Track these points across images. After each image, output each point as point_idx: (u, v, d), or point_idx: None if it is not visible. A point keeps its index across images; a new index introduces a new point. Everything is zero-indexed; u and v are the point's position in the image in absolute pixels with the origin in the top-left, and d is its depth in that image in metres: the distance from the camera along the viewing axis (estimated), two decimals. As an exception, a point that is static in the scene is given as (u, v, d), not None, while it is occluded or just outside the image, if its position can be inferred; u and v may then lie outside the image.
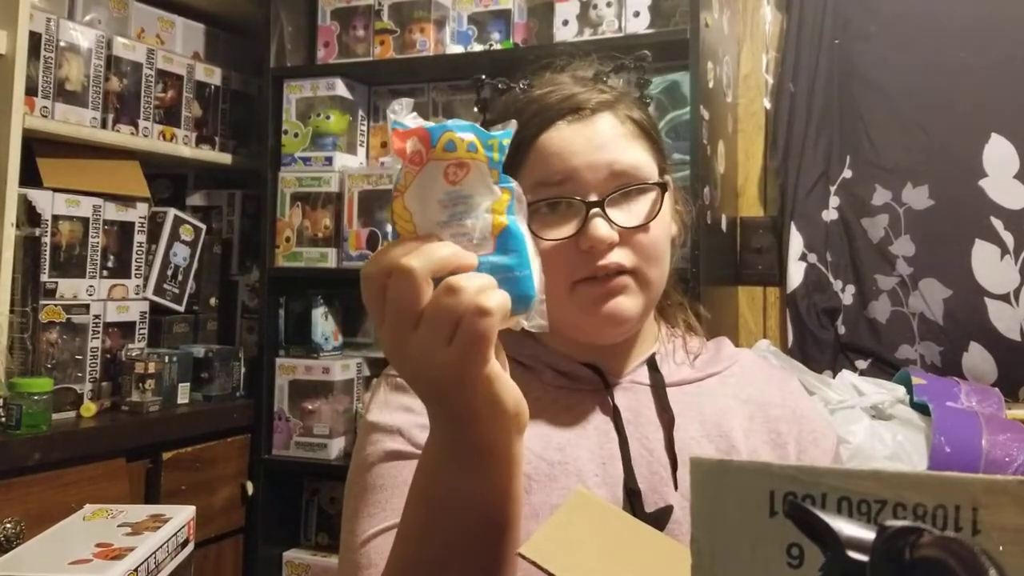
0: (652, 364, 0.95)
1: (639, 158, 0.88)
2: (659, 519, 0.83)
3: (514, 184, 0.60)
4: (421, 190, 0.58)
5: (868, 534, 0.34)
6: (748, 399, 0.95)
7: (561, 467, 0.86)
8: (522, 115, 0.87)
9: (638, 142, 0.89)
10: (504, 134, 0.59)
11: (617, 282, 0.85)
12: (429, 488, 0.66)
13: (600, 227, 0.83)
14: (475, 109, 0.95)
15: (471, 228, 0.59)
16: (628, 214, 0.86)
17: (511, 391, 0.61)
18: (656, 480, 0.87)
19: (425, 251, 0.57)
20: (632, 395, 0.93)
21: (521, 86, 0.93)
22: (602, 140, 0.86)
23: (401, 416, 0.87)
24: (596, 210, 0.84)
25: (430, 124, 0.58)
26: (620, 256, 0.85)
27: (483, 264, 0.59)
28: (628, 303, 0.86)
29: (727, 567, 0.44)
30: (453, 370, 0.57)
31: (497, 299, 0.57)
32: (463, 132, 0.58)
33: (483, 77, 0.93)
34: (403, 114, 0.59)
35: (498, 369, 0.60)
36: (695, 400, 0.94)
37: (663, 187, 0.88)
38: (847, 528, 0.34)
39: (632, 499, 0.85)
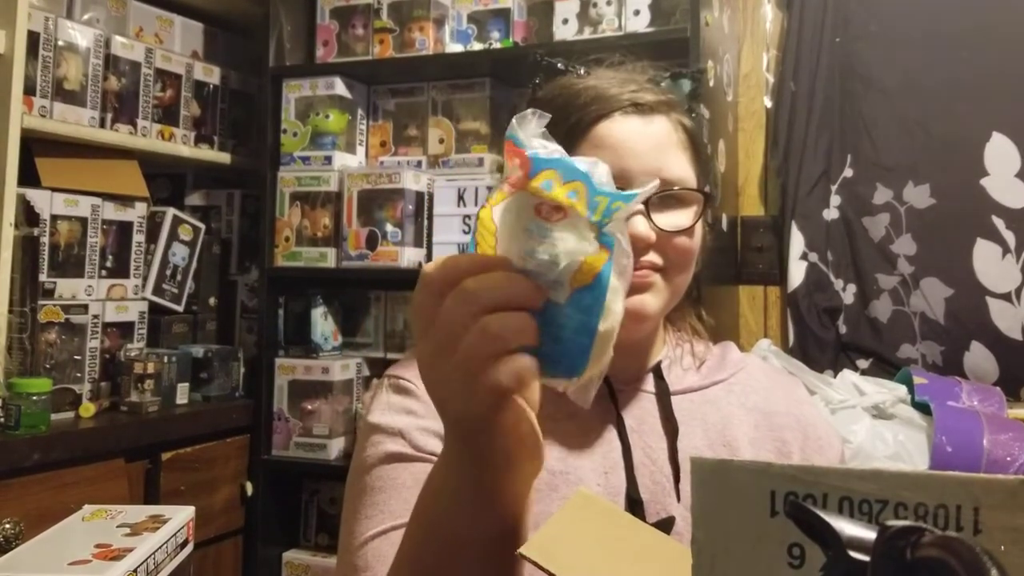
0: (657, 371, 0.94)
1: (686, 170, 0.88)
2: (661, 530, 0.83)
3: (620, 244, 0.53)
4: (512, 213, 0.54)
5: (869, 534, 0.34)
6: (753, 407, 0.95)
7: (563, 476, 0.85)
8: (578, 99, 0.87)
9: (687, 153, 0.89)
10: (620, 196, 0.53)
11: (646, 278, 0.85)
12: (426, 509, 0.65)
13: (639, 224, 0.83)
14: (529, 86, 0.94)
15: (550, 268, 0.53)
16: (667, 219, 0.86)
17: (531, 440, 0.58)
18: (658, 490, 0.87)
19: (495, 279, 0.52)
20: (637, 403, 0.92)
21: (580, 71, 0.91)
22: (657, 143, 0.86)
23: (403, 419, 0.87)
24: (639, 207, 0.83)
25: (538, 154, 0.52)
26: (653, 257, 0.85)
27: (546, 310, 0.53)
28: (652, 301, 0.86)
29: (728, 567, 0.44)
30: (474, 413, 0.54)
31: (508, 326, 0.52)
32: (571, 177, 0.52)
33: (541, 53, 0.92)
34: (527, 128, 0.54)
35: (518, 417, 0.56)
36: (700, 408, 0.93)
37: (706, 197, 0.88)
38: (848, 528, 0.34)
39: (634, 509, 0.85)
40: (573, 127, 0.86)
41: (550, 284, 0.53)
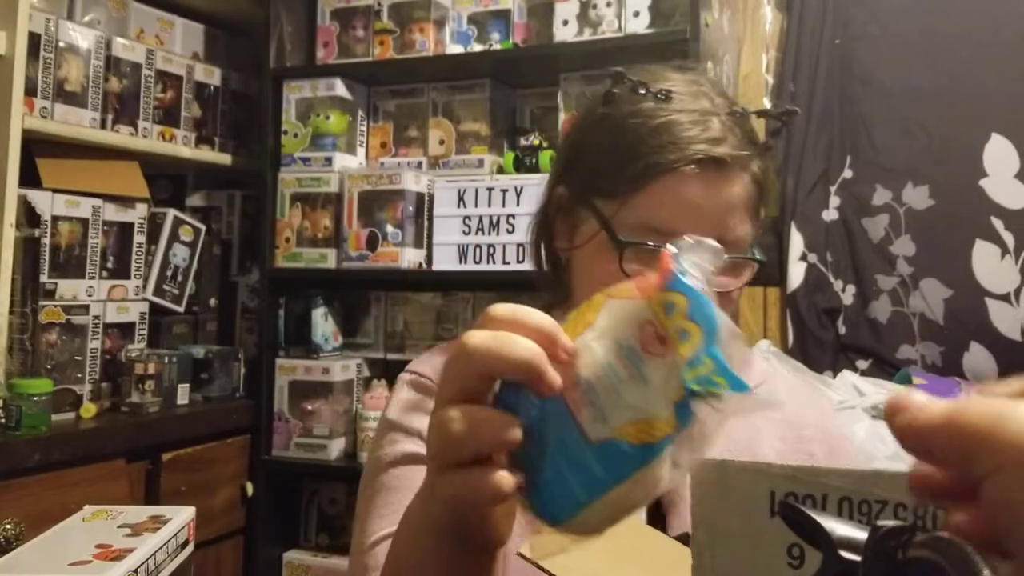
0: None
1: (748, 232, 0.84)
2: (683, 544, 0.82)
3: (699, 420, 0.43)
4: (619, 319, 0.46)
5: (860, 534, 0.34)
6: (780, 420, 0.92)
7: None
8: (654, 137, 0.81)
9: (753, 210, 0.85)
10: (728, 374, 0.42)
11: None
12: (401, 540, 0.63)
13: None
14: (602, 104, 0.86)
15: (607, 396, 0.44)
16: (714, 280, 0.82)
17: (494, 532, 0.55)
18: (683, 505, 0.85)
19: (523, 344, 0.45)
20: None
21: (659, 95, 0.83)
22: (726, 206, 0.81)
23: (423, 419, 0.84)
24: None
25: (684, 277, 0.45)
26: None
27: (570, 439, 0.45)
28: None
29: (727, 567, 0.44)
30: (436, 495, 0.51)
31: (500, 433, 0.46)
32: (696, 316, 0.43)
33: (621, 71, 0.84)
34: (698, 255, 0.46)
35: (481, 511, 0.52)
36: None
37: (759, 264, 0.85)
38: (839, 528, 0.34)
39: (655, 522, 0.83)
40: (643, 172, 0.80)
41: (593, 412, 0.44)
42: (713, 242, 0.46)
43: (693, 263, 0.45)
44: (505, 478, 0.46)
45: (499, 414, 0.46)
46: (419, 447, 0.84)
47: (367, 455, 0.90)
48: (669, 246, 0.46)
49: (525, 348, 0.45)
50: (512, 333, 0.46)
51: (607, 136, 0.84)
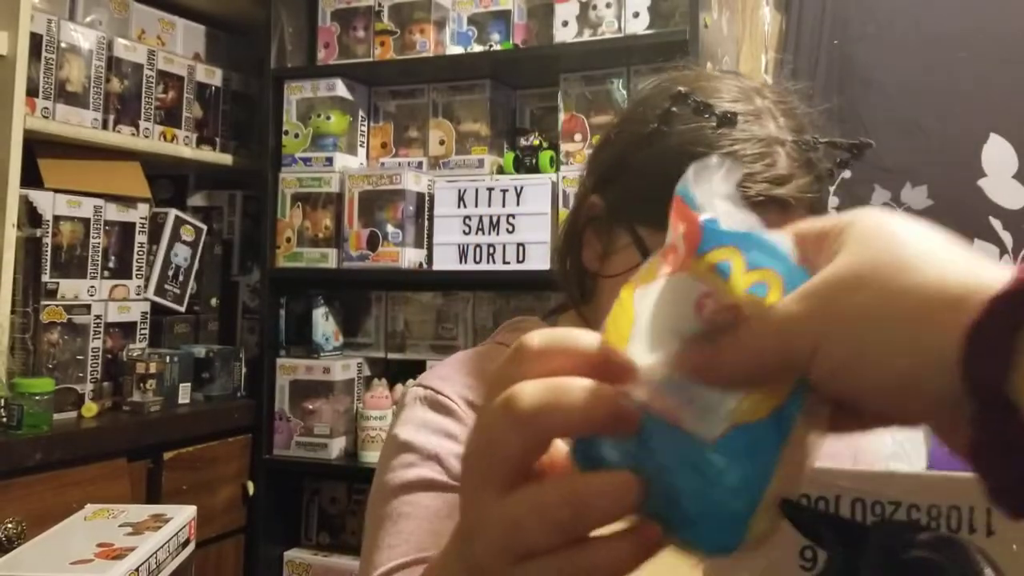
0: None
1: None
2: None
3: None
4: (663, 304, 0.37)
5: (863, 533, 0.34)
6: None
7: None
8: None
9: None
10: None
11: None
12: None
13: None
14: (655, 123, 0.77)
15: (710, 391, 0.35)
16: None
17: None
18: None
19: (584, 389, 0.36)
20: None
21: (723, 119, 0.75)
22: None
23: (440, 441, 0.78)
24: None
25: (717, 223, 0.36)
26: None
27: (691, 453, 0.34)
28: None
29: (739, 570, 0.43)
30: None
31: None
32: (761, 261, 0.35)
33: (685, 91, 0.75)
34: (709, 182, 0.37)
35: None
36: None
37: None
38: (842, 527, 0.34)
39: None
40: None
41: (695, 410, 0.35)
42: (719, 158, 0.37)
43: (708, 192, 0.36)
44: (646, 540, 0.36)
45: (609, 476, 0.36)
46: (436, 472, 0.77)
47: (374, 477, 0.82)
48: (677, 189, 0.37)
49: (587, 394, 0.35)
50: (564, 379, 0.36)
51: (660, 160, 0.76)
